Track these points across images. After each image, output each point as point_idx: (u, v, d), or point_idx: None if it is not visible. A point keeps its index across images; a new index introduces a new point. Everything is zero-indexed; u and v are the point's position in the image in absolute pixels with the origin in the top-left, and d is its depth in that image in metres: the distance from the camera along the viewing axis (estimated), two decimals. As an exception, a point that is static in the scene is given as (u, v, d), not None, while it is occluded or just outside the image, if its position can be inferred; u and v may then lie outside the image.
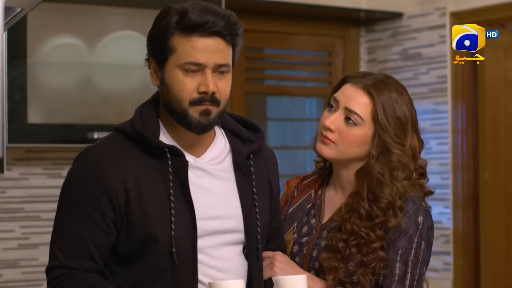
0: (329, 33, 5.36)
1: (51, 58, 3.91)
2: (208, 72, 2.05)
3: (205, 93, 2.05)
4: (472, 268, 4.92)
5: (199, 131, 2.09)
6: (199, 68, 2.05)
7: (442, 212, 4.84)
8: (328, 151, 2.35)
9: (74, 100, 3.93)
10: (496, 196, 4.98)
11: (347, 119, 2.32)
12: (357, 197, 2.31)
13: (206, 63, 2.05)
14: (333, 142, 2.33)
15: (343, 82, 2.39)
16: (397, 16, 5.16)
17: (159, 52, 2.09)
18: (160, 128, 2.13)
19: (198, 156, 2.16)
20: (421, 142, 2.39)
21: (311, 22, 5.25)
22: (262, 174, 2.26)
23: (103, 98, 3.99)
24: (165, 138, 2.13)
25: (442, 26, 4.93)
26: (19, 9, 2.04)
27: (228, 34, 2.07)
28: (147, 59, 2.15)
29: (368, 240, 2.25)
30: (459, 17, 4.84)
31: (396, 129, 2.31)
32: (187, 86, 2.05)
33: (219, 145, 2.20)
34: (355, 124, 2.31)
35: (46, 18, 3.87)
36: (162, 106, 2.14)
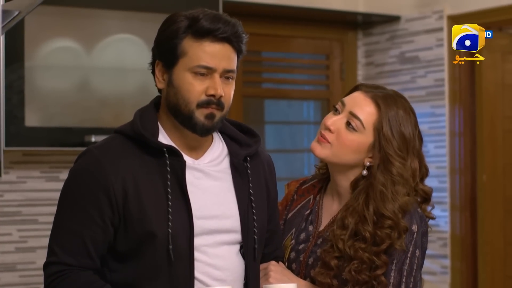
0: (327, 36, 5.36)
1: (48, 61, 3.91)
2: (217, 76, 2.15)
3: (213, 96, 2.14)
4: (470, 271, 4.92)
5: (203, 133, 2.17)
6: (208, 72, 2.14)
7: (439, 215, 4.83)
8: (320, 151, 2.34)
9: (72, 103, 3.93)
10: (494, 199, 4.98)
11: (348, 123, 2.32)
12: (357, 217, 2.27)
13: (216, 67, 2.14)
14: (329, 143, 2.33)
15: (355, 88, 2.40)
16: (394, 19, 5.17)
17: (168, 55, 2.15)
18: (159, 130, 2.19)
19: (196, 158, 2.21)
20: (425, 169, 2.37)
21: (308, 26, 5.25)
22: (259, 177, 2.30)
23: (101, 101, 3.99)
24: (164, 139, 2.19)
25: (440, 29, 4.93)
26: (16, 12, 2.04)
27: (235, 42, 2.17)
28: (152, 63, 2.21)
29: (372, 266, 2.23)
30: (457, 20, 4.84)
31: (400, 143, 2.30)
32: (196, 89, 2.13)
33: (217, 148, 2.26)
34: (354, 129, 2.31)
35: (43, 21, 3.87)
36: (165, 109, 2.20)
